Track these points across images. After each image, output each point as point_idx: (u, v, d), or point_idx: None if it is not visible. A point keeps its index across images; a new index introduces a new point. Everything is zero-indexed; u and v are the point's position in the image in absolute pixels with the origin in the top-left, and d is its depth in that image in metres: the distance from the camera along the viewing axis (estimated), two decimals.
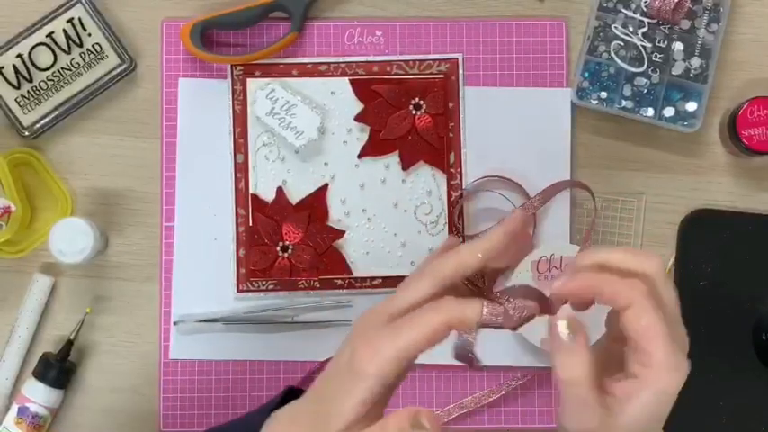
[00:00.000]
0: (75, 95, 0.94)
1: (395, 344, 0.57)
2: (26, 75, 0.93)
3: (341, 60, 0.95)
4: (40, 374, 0.91)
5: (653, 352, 0.56)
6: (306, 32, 0.95)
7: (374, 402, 0.57)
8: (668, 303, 0.58)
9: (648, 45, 0.93)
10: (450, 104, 0.95)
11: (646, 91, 0.93)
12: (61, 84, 0.94)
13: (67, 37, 0.94)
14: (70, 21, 0.94)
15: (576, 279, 0.58)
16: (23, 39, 0.93)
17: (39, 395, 0.91)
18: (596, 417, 0.57)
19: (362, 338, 0.58)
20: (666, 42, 0.93)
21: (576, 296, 0.60)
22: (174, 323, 0.93)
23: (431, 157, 0.94)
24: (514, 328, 0.60)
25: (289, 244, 0.94)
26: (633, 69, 0.93)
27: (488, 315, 0.58)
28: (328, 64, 0.95)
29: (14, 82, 0.93)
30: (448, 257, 0.60)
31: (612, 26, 0.94)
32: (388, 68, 0.95)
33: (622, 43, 0.93)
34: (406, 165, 0.94)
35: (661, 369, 0.56)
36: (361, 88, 0.94)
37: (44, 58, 0.94)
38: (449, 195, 0.95)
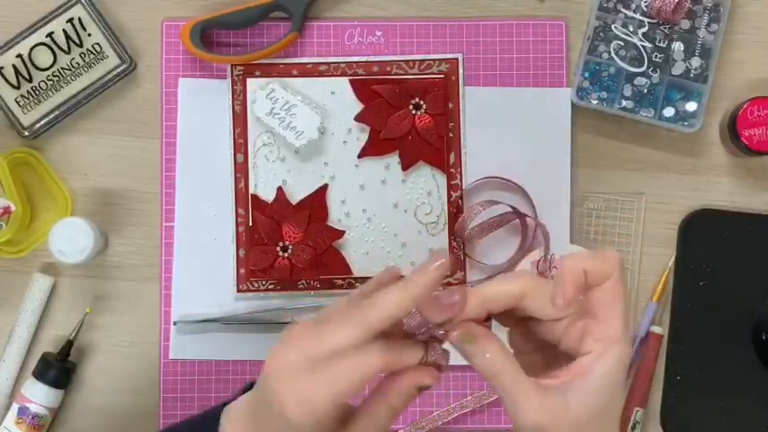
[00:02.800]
0: (75, 95, 0.94)
1: (329, 393, 0.56)
2: (26, 75, 0.93)
3: (341, 60, 0.95)
4: (40, 374, 0.91)
5: (614, 325, 0.58)
6: (306, 32, 0.95)
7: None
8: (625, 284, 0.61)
9: (648, 45, 0.93)
10: (450, 104, 0.95)
11: (646, 91, 0.93)
12: (61, 84, 0.94)
13: (67, 37, 0.93)
14: (70, 21, 0.94)
15: (567, 280, 0.58)
16: (23, 39, 0.93)
17: (39, 395, 0.90)
18: (541, 407, 0.57)
19: (290, 387, 0.56)
20: (666, 42, 0.93)
21: (577, 295, 0.59)
22: (174, 323, 0.93)
23: (431, 157, 0.94)
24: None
25: (289, 244, 0.94)
26: (633, 69, 0.93)
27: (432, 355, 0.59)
28: (328, 64, 0.95)
29: (14, 82, 0.93)
30: (376, 305, 0.57)
31: (612, 26, 0.94)
32: (388, 68, 0.95)
33: (622, 43, 0.93)
34: (406, 165, 0.94)
35: (618, 342, 0.58)
36: (361, 88, 0.94)
37: (44, 58, 0.94)
38: (449, 195, 0.95)
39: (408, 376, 0.59)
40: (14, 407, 0.91)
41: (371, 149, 0.95)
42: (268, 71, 0.95)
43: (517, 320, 0.61)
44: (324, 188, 0.94)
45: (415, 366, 0.59)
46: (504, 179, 0.94)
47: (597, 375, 0.58)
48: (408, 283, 0.58)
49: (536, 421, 0.57)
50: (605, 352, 0.58)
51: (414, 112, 0.94)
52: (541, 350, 0.62)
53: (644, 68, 0.93)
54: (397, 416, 0.60)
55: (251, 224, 0.94)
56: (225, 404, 0.65)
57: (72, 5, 0.94)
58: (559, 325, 0.60)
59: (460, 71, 0.95)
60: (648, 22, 0.93)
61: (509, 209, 0.93)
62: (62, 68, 0.94)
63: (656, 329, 0.94)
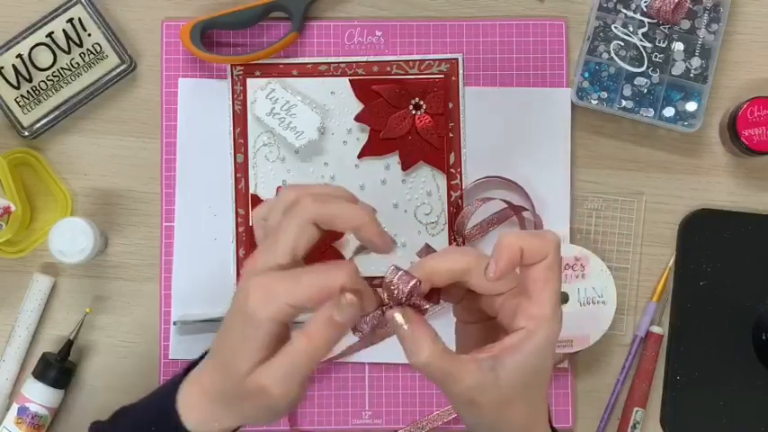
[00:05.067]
0: (75, 95, 0.94)
1: (292, 294, 0.59)
2: (26, 75, 0.93)
3: (341, 60, 0.95)
4: (40, 374, 0.91)
5: (545, 304, 0.61)
6: (306, 32, 0.95)
7: (275, 341, 0.60)
8: (561, 267, 0.63)
9: (648, 45, 0.93)
10: (450, 104, 0.95)
11: (646, 91, 0.93)
12: (61, 84, 0.94)
13: (67, 37, 0.93)
14: (70, 21, 0.94)
15: (502, 255, 0.60)
16: (23, 39, 0.93)
17: (39, 395, 0.90)
18: (472, 378, 0.60)
19: (256, 282, 0.60)
20: (666, 42, 0.93)
21: (510, 270, 0.61)
22: (174, 323, 0.93)
23: (431, 157, 0.94)
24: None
25: None
26: (633, 69, 0.93)
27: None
28: (328, 64, 0.95)
29: (14, 82, 0.93)
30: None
31: (612, 26, 0.94)
32: (388, 68, 0.95)
33: (622, 43, 0.93)
34: (406, 165, 0.94)
35: (548, 321, 0.61)
36: (361, 88, 0.94)
37: (44, 58, 0.94)
38: (449, 195, 0.95)
39: (327, 305, 0.61)
40: (14, 407, 0.91)
41: (371, 149, 0.95)
42: (268, 71, 0.95)
43: (461, 293, 0.64)
44: None
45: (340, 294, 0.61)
46: (504, 179, 0.94)
47: (525, 352, 0.60)
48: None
49: (466, 395, 0.60)
50: (535, 330, 0.61)
51: (414, 112, 0.94)
52: (483, 321, 0.65)
53: (644, 68, 0.93)
54: (313, 350, 0.60)
55: (251, 224, 0.94)
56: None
57: (72, 5, 0.94)
58: (498, 300, 0.63)
59: (460, 71, 0.95)
60: (648, 22, 0.93)
61: (504, 205, 0.93)
62: (62, 68, 0.94)
63: (656, 329, 0.94)
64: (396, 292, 0.61)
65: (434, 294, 0.63)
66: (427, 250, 0.66)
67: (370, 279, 0.93)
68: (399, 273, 0.61)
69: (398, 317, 0.60)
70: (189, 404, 0.65)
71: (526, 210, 0.93)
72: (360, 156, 0.95)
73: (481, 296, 0.64)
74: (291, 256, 0.61)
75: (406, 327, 0.60)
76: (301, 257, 0.62)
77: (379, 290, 0.62)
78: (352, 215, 0.63)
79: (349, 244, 0.94)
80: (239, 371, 0.61)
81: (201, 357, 0.68)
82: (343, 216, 0.62)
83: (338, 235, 0.94)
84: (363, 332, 0.62)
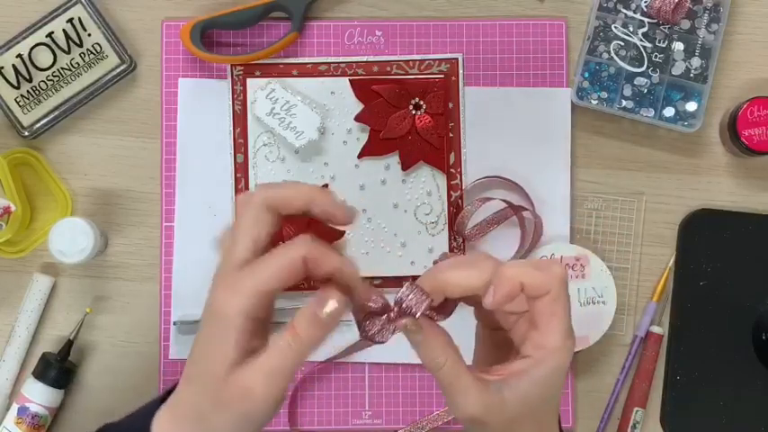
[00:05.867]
0: (75, 95, 0.94)
1: (256, 278, 0.58)
2: (26, 75, 0.93)
3: (341, 60, 0.95)
4: (40, 374, 0.91)
5: (553, 338, 0.60)
6: (306, 32, 0.95)
7: (250, 338, 0.59)
8: (568, 299, 0.62)
9: (648, 45, 0.93)
10: (450, 104, 0.95)
11: (646, 91, 0.93)
12: (61, 84, 0.94)
13: (67, 37, 0.93)
14: (70, 21, 0.94)
15: (501, 287, 0.60)
16: (23, 39, 0.93)
17: (39, 395, 0.90)
18: (478, 400, 0.60)
19: (218, 281, 0.60)
20: (666, 42, 0.93)
21: (508, 301, 0.61)
22: (174, 323, 0.93)
23: (431, 157, 0.94)
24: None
25: None
26: (633, 69, 0.93)
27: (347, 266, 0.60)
28: (328, 64, 0.95)
29: (14, 82, 0.93)
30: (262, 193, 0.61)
31: (612, 26, 0.94)
32: (388, 68, 0.95)
33: (622, 43, 0.93)
34: (406, 165, 0.94)
35: (557, 352, 0.61)
36: (361, 88, 0.94)
37: (44, 58, 0.94)
38: (449, 195, 0.95)
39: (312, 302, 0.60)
40: (14, 407, 0.91)
41: (371, 149, 0.95)
42: (268, 71, 0.95)
43: (476, 299, 0.63)
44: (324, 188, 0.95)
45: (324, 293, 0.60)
46: (504, 179, 0.94)
47: (533, 379, 0.60)
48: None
49: (472, 414, 0.60)
50: (542, 360, 0.60)
51: (414, 112, 0.94)
52: (501, 330, 0.65)
53: (644, 68, 0.93)
54: (299, 348, 0.59)
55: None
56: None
57: (72, 5, 0.94)
58: (511, 317, 0.63)
59: (460, 71, 0.95)
60: (648, 22, 0.93)
61: (504, 204, 0.93)
62: (62, 68, 0.94)
63: (656, 329, 0.94)
64: (409, 310, 0.60)
65: (450, 305, 0.62)
66: (446, 257, 0.65)
67: (370, 279, 0.94)
68: (413, 289, 0.60)
69: (411, 325, 0.60)
70: (162, 430, 0.62)
71: (526, 209, 0.93)
72: (360, 156, 0.95)
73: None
74: (252, 250, 0.60)
75: (419, 335, 0.60)
76: (263, 249, 0.61)
77: (396, 295, 0.61)
78: (300, 190, 0.61)
79: (349, 244, 0.94)
80: (216, 375, 0.58)
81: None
82: (292, 192, 0.61)
83: (339, 234, 0.94)
84: (369, 335, 0.61)
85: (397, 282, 0.93)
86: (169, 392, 0.64)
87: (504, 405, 0.60)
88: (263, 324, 0.60)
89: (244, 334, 0.58)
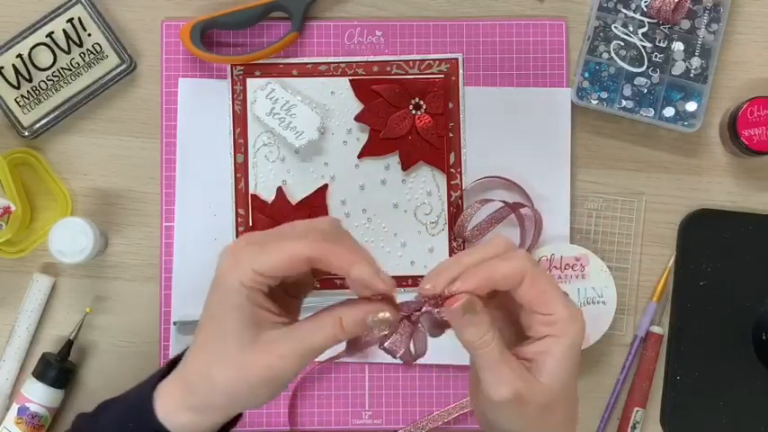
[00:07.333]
0: (75, 95, 0.94)
1: (256, 260, 0.61)
2: (26, 75, 0.93)
3: (341, 60, 0.95)
4: (40, 374, 0.91)
5: (555, 310, 0.62)
6: (306, 32, 0.95)
7: (254, 307, 0.61)
8: (546, 274, 0.64)
9: (648, 45, 0.93)
10: (450, 104, 0.95)
11: (646, 91, 0.93)
12: (61, 84, 0.94)
13: (67, 37, 0.93)
14: (70, 21, 0.94)
15: (469, 280, 0.61)
16: (23, 39, 0.93)
17: (39, 395, 0.90)
18: (519, 377, 0.61)
19: (226, 250, 0.63)
20: (666, 42, 0.93)
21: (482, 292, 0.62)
22: (174, 323, 0.93)
23: (431, 157, 0.94)
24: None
25: None
26: (633, 69, 0.93)
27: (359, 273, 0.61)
28: (328, 64, 0.95)
29: (14, 82, 0.93)
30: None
31: (612, 26, 0.94)
32: (388, 68, 0.95)
33: (622, 43, 0.93)
34: (406, 165, 0.94)
35: (566, 323, 0.62)
36: (361, 88, 0.94)
37: (44, 58, 0.94)
38: (449, 195, 0.95)
39: (366, 305, 0.62)
40: (14, 407, 0.91)
41: (371, 149, 0.95)
42: (268, 71, 0.95)
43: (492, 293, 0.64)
44: (324, 188, 0.94)
45: (376, 301, 0.62)
46: (504, 179, 0.94)
47: (556, 355, 0.62)
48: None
49: (516, 389, 0.61)
50: (561, 334, 0.62)
51: (414, 112, 0.94)
52: (510, 325, 0.66)
53: (644, 68, 0.93)
54: (338, 338, 0.62)
55: (251, 224, 0.94)
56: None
57: (72, 5, 0.94)
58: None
59: (460, 71, 0.95)
60: (648, 22, 0.93)
61: (502, 204, 0.93)
62: (62, 68, 0.94)
63: (656, 329, 0.94)
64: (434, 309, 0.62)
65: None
66: (421, 297, 0.65)
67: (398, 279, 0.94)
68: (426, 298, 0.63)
69: (466, 303, 0.61)
70: (166, 405, 0.65)
71: (524, 206, 0.93)
72: (360, 156, 0.95)
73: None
74: (275, 267, 0.62)
75: (473, 314, 0.61)
76: (278, 274, 0.62)
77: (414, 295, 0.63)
78: (344, 258, 0.62)
79: None
80: (225, 340, 0.61)
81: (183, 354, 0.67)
82: (335, 260, 0.62)
83: None
84: (386, 346, 0.64)
85: (396, 282, 0.93)
86: (170, 368, 0.66)
87: (544, 385, 0.61)
88: (284, 292, 0.64)
89: (246, 301, 0.61)
